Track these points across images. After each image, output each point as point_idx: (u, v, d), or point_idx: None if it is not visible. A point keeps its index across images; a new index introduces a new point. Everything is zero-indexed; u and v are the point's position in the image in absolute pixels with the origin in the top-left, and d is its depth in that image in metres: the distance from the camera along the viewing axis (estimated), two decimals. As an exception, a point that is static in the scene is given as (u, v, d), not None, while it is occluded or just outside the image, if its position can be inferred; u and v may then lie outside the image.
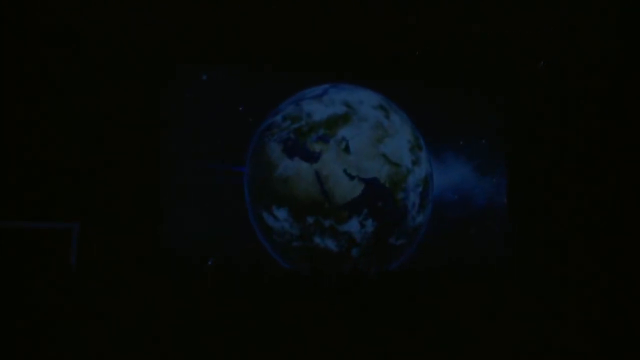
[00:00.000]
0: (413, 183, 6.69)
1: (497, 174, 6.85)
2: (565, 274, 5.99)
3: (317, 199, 6.35)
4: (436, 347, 4.31)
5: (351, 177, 6.44)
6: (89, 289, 4.70)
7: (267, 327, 4.39)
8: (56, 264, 4.94)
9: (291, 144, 6.35)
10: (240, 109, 6.19)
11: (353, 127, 6.57)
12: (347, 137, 6.51)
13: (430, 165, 6.82)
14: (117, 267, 5.08)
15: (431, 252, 6.61)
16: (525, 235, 6.55)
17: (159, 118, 5.76)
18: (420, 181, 6.74)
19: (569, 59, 6.40)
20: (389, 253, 6.54)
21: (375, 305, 4.78)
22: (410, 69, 6.57)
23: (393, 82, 6.70)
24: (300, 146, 6.37)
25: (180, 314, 4.51)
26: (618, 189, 6.06)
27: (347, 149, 6.48)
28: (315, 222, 6.34)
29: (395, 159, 6.64)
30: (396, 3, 5.50)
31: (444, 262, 6.39)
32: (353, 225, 6.44)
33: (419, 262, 6.54)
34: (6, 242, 4.96)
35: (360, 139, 6.55)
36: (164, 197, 5.79)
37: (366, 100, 6.72)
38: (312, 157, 6.37)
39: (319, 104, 6.56)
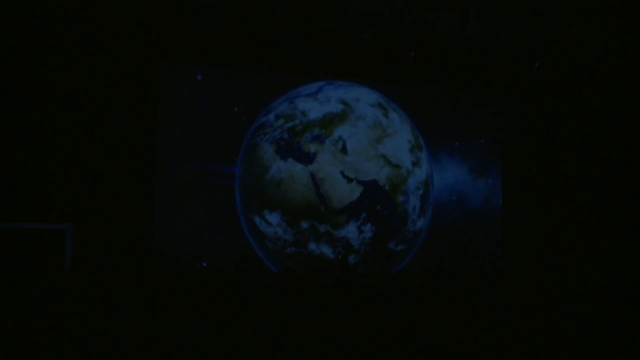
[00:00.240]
0: (413, 185, 6.50)
1: (492, 175, 6.76)
2: (560, 275, 6.06)
3: (312, 202, 6.13)
4: (433, 348, 4.43)
5: (349, 180, 6.24)
6: (82, 291, 4.79)
7: (263, 328, 4.48)
8: (50, 265, 4.94)
9: (284, 144, 6.13)
10: (236, 109, 6.02)
11: (350, 126, 6.34)
12: (344, 136, 6.28)
13: (430, 166, 6.63)
14: (111, 269, 5.13)
15: (427, 252, 6.54)
16: (521, 236, 6.53)
17: (154, 119, 5.65)
18: (421, 183, 6.55)
19: (566, 60, 6.36)
20: (388, 259, 6.36)
21: (369, 306, 4.86)
22: (405, 69, 6.48)
23: (389, 83, 6.58)
24: (294, 147, 6.15)
25: (174, 316, 4.58)
26: (614, 190, 6.05)
27: (344, 150, 6.26)
28: (310, 227, 6.12)
29: (395, 160, 6.43)
30: (391, 3, 5.44)
31: (438, 263, 6.38)
32: (350, 231, 6.23)
33: (414, 264, 6.49)
34: (-1, 243, 4.99)
35: (358, 139, 6.32)
36: (158, 198, 5.64)
37: (363, 97, 6.49)
38: (306, 158, 6.14)
39: (314, 102, 6.32)
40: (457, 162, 6.65)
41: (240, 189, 6.01)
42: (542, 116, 6.67)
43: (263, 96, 6.16)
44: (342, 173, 6.21)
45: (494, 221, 6.68)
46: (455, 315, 5.07)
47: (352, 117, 6.35)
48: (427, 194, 6.55)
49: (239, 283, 5.47)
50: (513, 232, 6.58)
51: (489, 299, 5.50)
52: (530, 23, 5.73)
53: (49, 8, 5.14)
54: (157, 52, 5.67)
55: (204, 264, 5.60)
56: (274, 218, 6.04)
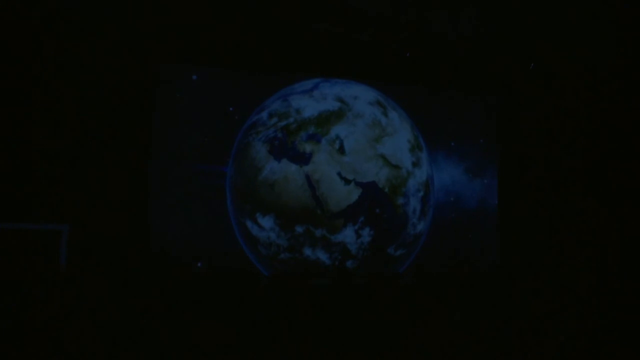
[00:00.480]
0: (414, 187, 6.33)
1: (488, 176, 6.69)
2: (556, 276, 6.14)
3: (307, 205, 5.95)
4: (427, 348, 4.55)
5: (346, 181, 6.07)
6: (79, 291, 4.89)
7: (259, 328, 4.58)
8: (46, 266, 5.03)
9: (278, 143, 5.95)
10: (232, 109, 5.94)
11: (348, 124, 6.15)
12: (342, 136, 6.09)
13: (431, 167, 6.47)
14: (107, 269, 5.25)
15: (424, 254, 6.46)
16: (516, 237, 6.57)
17: (149, 118, 5.70)
18: (422, 185, 6.38)
19: (563, 61, 6.40)
20: (387, 265, 6.21)
21: (365, 308, 4.91)
22: (401, 69, 6.41)
23: (383, 82, 6.47)
24: (288, 146, 5.97)
25: (169, 316, 4.68)
26: (612, 190, 6.12)
27: (341, 150, 6.09)
28: (305, 231, 5.93)
29: (395, 161, 6.26)
30: (388, 3, 5.44)
31: (435, 264, 6.33)
32: (348, 235, 6.06)
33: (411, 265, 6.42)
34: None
35: (356, 138, 6.14)
36: (154, 198, 5.66)
37: (361, 95, 6.30)
38: (302, 159, 5.97)
39: (309, 99, 6.12)
40: (453, 162, 6.58)
41: (232, 191, 5.84)
42: (538, 116, 6.70)
43: (259, 96, 6.06)
44: (339, 174, 6.06)
45: (489, 221, 6.61)
46: (451, 314, 5.12)
47: (350, 116, 6.18)
48: (427, 195, 6.40)
49: (235, 283, 5.49)
50: (509, 232, 6.59)
51: (485, 299, 5.61)
52: (526, 23, 5.79)
53: (44, 8, 5.23)
54: (153, 52, 5.71)
55: (199, 264, 5.60)
56: (266, 222, 5.87)
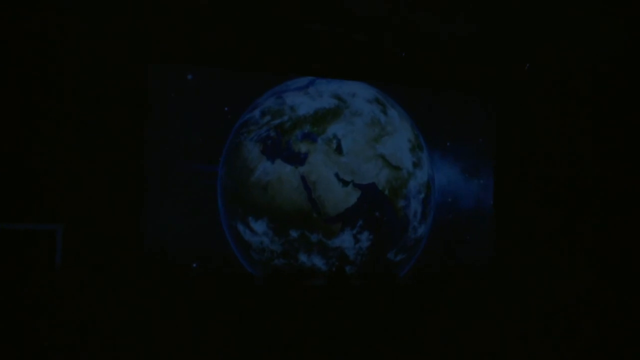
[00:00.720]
0: (415, 189, 6.18)
1: (484, 176, 6.61)
2: (552, 276, 6.21)
3: (303, 208, 5.82)
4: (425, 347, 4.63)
5: (344, 183, 5.95)
6: (73, 291, 4.98)
7: (255, 329, 4.64)
8: (40, 265, 5.19)
9: (271, 143, 5.81)
10: (227, 109, 5.87)
11: (345, 123, 6.00)
12: (339, 135, 5.96)
13: (431, 167, 6.32)
14: (101, 269, 5.37)
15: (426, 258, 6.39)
16: (512, 237, 6.62)
17: (144, 118, 5.75)
18: (423, 186, 6.23)
19: (562, 61, 6.41)
20: (386, 270, 6.07)
21: (363, 309, 4.95)
22: (399, 69, 6.32)
23: (381, 83, 6.37)
24: (282, 146, 5.84)
25: (164, 316, 4.74)
26: (609, 190, 6.16)
27: (339, 150, 5.96)
28: (300, 236, 5.81)
29: (395, 161, 6.12)
30: (386, 2, 5.39)
31: (433, 264, 6.26)
32: (346, 240, 5.94)
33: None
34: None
35: (354, 138, 6.01)
36: (149, 198, 5.68)
37: (360, 92, 6.14)
38: (297, 159, 5.86)
39: (304, 97, 5.96)
40: (450, 162, 6.51)
41: (223, 193, 5.70)
42: (534, 117, 6.74)
43: (255, 96, 5.96)
44: (336, 175, 5.95)
45: (485, 221, 6.54)
46: (447, 314, 5.18)
47: (347, 114, 6.02)
48: (428, 197, 6.26)
49: (230, 284, 5.50)
50: (505, 232, 6.62)
51: (481, 298, 5.66)
52: (523, 23, 5.79)
53: (40, 9, 5.32)
54: (148, 52, 5.78)
55: (194, 265, 5.56)
56: (259, 226, 5.75)
